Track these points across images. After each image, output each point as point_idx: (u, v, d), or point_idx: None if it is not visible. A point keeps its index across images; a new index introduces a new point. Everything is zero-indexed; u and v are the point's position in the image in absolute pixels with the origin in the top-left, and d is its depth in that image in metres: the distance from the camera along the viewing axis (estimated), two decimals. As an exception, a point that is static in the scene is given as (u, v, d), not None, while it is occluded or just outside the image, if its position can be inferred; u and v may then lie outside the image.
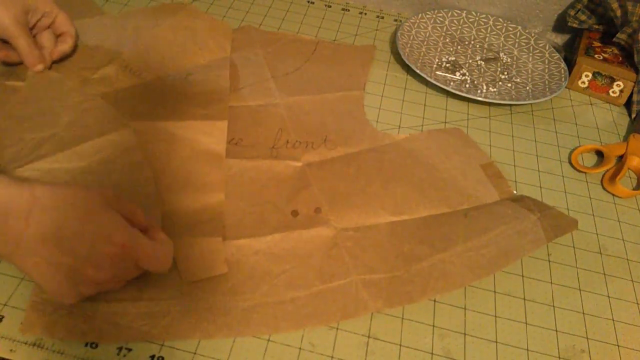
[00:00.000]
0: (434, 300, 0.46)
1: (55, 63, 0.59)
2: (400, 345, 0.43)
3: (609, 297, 0.48)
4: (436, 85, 0.66)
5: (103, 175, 0.47)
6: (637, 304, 0.48)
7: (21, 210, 0.34)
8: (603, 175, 0.59)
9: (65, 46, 0.58)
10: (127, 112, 0.55)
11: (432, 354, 0.43)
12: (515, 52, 0.74)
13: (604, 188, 0.58)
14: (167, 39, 0.64)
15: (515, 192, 0.55)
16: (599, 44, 0.71)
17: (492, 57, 0.73)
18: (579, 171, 0.59)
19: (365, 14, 0.79)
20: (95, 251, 0.36)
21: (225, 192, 0.50)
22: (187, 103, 0.56)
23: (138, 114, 0.55)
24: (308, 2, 0.80)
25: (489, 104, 0.66)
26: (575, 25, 0.72)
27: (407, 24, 0.74)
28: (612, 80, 0.68)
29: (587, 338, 0.45)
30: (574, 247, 0.52)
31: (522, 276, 0.49)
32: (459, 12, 0.78)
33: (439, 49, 0.73)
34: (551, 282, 0.49)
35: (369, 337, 0.43)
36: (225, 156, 0.53)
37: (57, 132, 0.50)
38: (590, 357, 0.44)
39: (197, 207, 0.49)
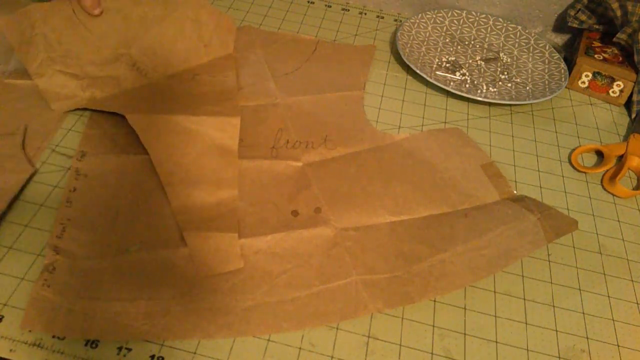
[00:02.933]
0: (434, 300, 0.46)
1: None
2: (400, 345, 0.43)
3: (609, 297, 0.48)
4: (436, 85, 0.66)
5: None
6: (637, 304, 0.48)
7: None
8: (603, 175, 0.59)
9: None
10: (138, 108, 0.55)
11: (432, 354, 0.43)
12: (515, 52, 0.74)
13: (604, 188, 0.58)
14: (174, 36, 0.63)
15: (515, 192, 0.55)
16: (599, 44, 0.71)
17: (492, 57, 0.73)
18: (579, 171, 0.59)
19: (365, 14, 0.79)
20: None
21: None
22: (198, 101, 0.57)
23: (150, 108, 0.55)
24: (308, 2, 0.80)
25: (489, 104, 0.66)
26: (575, 25, 0.72)
27: (407, 24, 0.74)
28: (612, 80, 0.68)
29: (587, 338, 0.45)
30: (574, 247, 0.52)
31: (522, 276, 0.49)
32: (459, 12, 0.78)
33: (439, 49, 0.73)
34: (551, 282, 0.49)
35: (369, 337, 0.43)
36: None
37: None
38: (590, 357, 0.44)
39: (212, 201, 0.49)
